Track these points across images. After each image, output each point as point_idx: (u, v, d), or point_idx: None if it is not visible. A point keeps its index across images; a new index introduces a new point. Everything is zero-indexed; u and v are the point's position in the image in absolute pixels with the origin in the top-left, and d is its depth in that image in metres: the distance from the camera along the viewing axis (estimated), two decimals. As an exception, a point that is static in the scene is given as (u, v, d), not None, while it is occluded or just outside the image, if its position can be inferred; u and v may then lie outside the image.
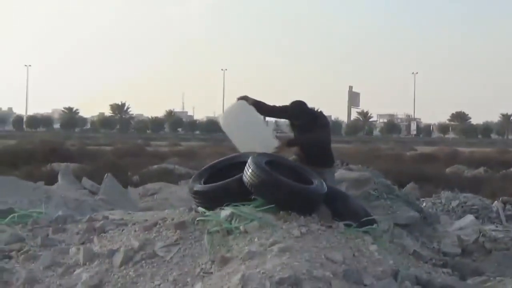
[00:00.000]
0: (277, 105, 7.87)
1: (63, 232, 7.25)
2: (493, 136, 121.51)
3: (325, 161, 7.57)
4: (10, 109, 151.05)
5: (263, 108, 7.63)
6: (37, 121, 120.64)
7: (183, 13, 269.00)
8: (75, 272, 6.09)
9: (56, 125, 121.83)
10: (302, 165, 7.34)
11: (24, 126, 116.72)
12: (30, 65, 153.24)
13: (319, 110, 7.85)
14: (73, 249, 6.58)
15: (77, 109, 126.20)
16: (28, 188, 12.42)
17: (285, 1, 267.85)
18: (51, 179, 17.51)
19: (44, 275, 6.16)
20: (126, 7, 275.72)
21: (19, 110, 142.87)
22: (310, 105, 7.80)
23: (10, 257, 6.66)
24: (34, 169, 24.36)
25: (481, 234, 16.29)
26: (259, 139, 7.41)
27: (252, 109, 7.50)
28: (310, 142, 7.52)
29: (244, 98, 7.65)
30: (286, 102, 7.79)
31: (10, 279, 6.16)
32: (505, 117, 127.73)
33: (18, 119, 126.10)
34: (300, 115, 7.53)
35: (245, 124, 7.51)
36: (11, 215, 8.11)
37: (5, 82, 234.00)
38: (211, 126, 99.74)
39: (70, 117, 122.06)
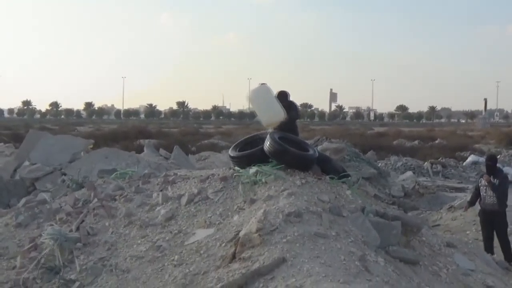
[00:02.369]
0: None
1: (148, 183, 7.27)
2: (424, 120, 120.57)
3: (292, 133, 7.34)
4: (112, 105, 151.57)
5: None
6: (129, 113, 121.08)
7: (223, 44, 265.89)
8: (156, 209, 6.13)
9: (142, 115, 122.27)
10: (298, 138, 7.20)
11: (122, 116, 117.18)
12: (125, 77, 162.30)
13: (293, 101, 7.61)
14: (155, 194, 6.61)
15: (155, 105, 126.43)
16: (125, 156, 12.47)
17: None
18: (140, 150, 17.62)
19: (137, 211, 6.21)
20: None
21: (118, 105, 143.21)
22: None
23: (115, 199, 6.71)
24: (128, 143, 24.57)
25: (417, 183, 16.19)
26: (274, 111, 7.02)
27: (271, 91, 7.21)
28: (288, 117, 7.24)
29: (265, 83, 7.41)
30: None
31: (115, 213, 6.23)
32: (431, 108, 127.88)
33: (117, 112, 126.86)
34: (282, 99, 7.30)
35: (266, 100, 7.21)
36: (115, 173, 8.16)
37: (109, 88, 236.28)
38: (242, 115, 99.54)
39: (151, 110, 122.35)
